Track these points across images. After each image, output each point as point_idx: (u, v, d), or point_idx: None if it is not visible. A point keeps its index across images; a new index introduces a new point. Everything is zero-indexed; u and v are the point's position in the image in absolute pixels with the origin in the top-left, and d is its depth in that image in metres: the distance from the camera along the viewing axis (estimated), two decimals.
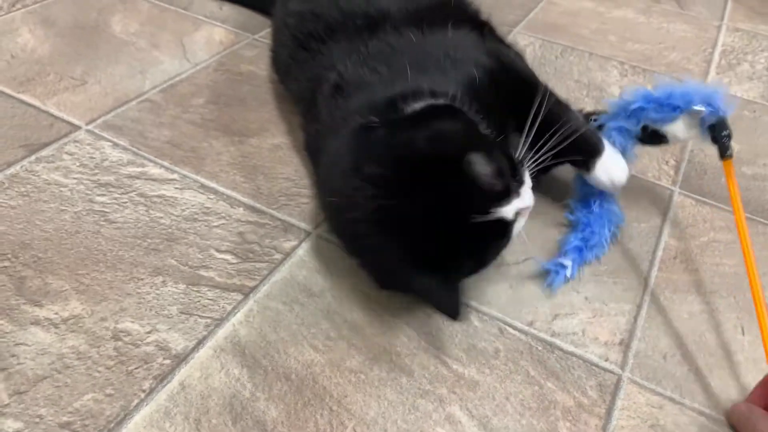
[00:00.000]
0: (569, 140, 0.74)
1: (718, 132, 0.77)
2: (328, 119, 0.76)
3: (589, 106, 1.10)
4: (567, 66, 1.21)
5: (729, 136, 0.77)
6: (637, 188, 0.93)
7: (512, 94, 0.78)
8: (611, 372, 0.68)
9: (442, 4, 0.93)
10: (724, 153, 0.77)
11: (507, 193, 0.64)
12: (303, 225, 0.80)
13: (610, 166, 0.79)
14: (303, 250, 0.77)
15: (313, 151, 0.82)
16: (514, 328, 0.71)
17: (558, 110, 0.79)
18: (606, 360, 0.69)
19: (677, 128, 0.79)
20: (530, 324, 0.71)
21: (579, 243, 0.79)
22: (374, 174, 0.63)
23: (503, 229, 0.65)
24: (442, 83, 0.73)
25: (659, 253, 0.82)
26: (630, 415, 0.64)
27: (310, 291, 0.72)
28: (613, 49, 1.28)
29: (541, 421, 0.62)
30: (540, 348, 0.69)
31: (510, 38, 1.04)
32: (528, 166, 0.70)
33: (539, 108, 0.73)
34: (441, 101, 0.71)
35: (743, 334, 0.73)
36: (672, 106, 0.78)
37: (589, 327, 0.72)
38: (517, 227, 0.67)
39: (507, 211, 0.63)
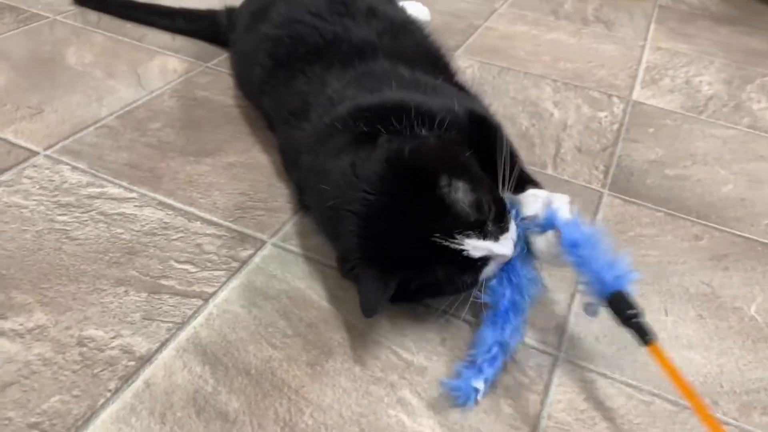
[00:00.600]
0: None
1: (619, 310, 0.66)
2: (322, 125, 0.82)
3: (525, 121, 1.18)
4: (504, 85, 1.30)
5: (637, 315, 0.65)
6: (569, 192, 1.00)
7: (483, 140, 0.80)
8: (548, 353, 0.74)
9: (423, 50, 1.03)
10: (643, 337, 0.64)
11: (481, 230, 0.67)
12: (259, 235, 0.85)
13: (543, 192, 0.79)
14: (259, 258, 0.81)
15: (294, 150, 0.87)
16: (459, 318, 0.76)
17: (513, 149, 0.83)
18: (543, 343, 0.75)
19: (539, 242, 0.74)
20: (475, 315, 0.77)
21: (495, 350, 0.68)
22: (367, 172, 0.69)
23: (465, 263, 0.67)
24: (438, 109, 0.79)
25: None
26: (566, 390, 0.70)
27: (267, 294, 0.76)
28: (546, 68, 1.38)
29: (485, 400, 0.67)
30: None
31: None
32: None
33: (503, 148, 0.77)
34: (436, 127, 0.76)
35: (666, 315, 0.81)
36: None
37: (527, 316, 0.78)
38: (487, 272, 0.70)
39: (473, 245, 0.66)
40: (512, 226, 0.71)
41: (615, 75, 1.39)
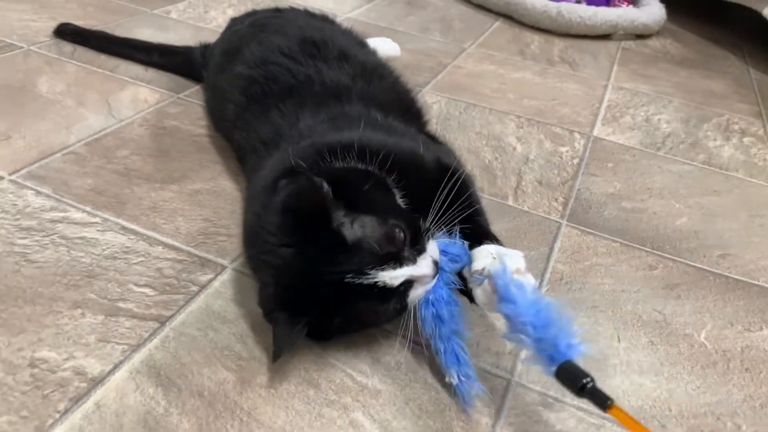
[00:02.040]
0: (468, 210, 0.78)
1: (572, 380, 0.62)
2: (284, 158, 0.82)
3: (488, 155, 1.22)
4: (470, 120, 1.33)
5: (592, 382, 0.62)
6: (528, 222, 1.03)
7: (450, 188, 0.78)
8: (501, 377, 0.75)
9: (395, 96, 1.07)
10: (602, 403, 0.61)
11: (396, 259, 0.67)
12: (220, 260, 0.85)
13: (496, 248, 0.76)
14: (219, 282, 0.82)
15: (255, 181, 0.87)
16: (415, 342, 0.77)
17: (465, 187, 0.82)
18: (497, 367, 0.76)
19: (478, 292, 0.73)
20: (429, 338, 0.78)
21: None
22: (269, 222, 0.70)
23: (386, 294, 0.67)
24: (378, 148, 0.78)
25: (548, 275, 0.92)
26: (518, 413, 0.71)
27: (225, 318, 0.77)
28: (511, 105, 1.42)
29: (437, 422, 0.68)
30: (438, 359, 0.76)
31: (419, 97, 1.15)
32: (433, 233, 0.73)
33: (451, 184, 0.77)
34: (352, 163, 0.76)
35: (619, 341, 0.82)
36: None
37: (483, 340, 0.79)
38: (415, 294, 0.70)
39: (390, 276, 0.66)
40: (430, 245, 0.72)
41: (577, 112, 1.44)
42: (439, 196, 0.74)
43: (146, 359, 0.70)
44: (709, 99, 1.61)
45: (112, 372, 0.68)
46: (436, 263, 0.71)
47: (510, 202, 1.08)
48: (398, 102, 1.05)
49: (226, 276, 0.83)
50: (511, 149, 1.24)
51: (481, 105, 1.40)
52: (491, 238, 0.80)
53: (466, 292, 0.76)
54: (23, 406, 0.63)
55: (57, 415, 0.63)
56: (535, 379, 0.75)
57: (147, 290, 0.79)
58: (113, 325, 0.74)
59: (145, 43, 1.36)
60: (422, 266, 0.69)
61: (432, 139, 1.02)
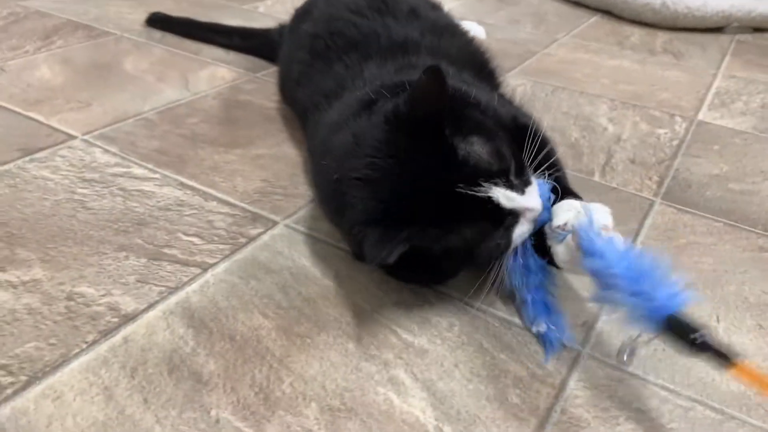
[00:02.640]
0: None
1: (681, 335, 0.54)
2: (346, 102, 0.79)
3: (575, 133, 1.12)
4: (556, 101, 1.24)
5: (705, 337, 0.53)
6: (615, 198, 0.92)
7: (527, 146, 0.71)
8: (570, 348, 0.65)
9: (468, 54, 1.00)
10: (724, 359, 0.53)
11: (506, 180, 0.61)
12: (272, 216, 0.82)
13: (581, 203, 0.68)
14: (269, 236, 0.78)
15: (317, 133, 0.83)
16: (473, 306, 0.69)
17: (544, 145, 0.73)
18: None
19: (559, 249, 0.66)
20: (490, 304, 0.70)
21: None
22: (369, 139, 0.64)
23: (495, 217, 0.60)
24: (453, 90, 0.71)
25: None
26: (587, 386, 0.60)
27: (269, 268, 0.72)
28: (604, 89, 1.31)
29: (489, 387, 0.59)
30: (497, 324, 0.67)
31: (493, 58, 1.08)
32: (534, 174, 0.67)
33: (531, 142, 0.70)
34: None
35: (718, 321, 0.70)
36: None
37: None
38: (520, 232, 0.63)
39: (503, 194, 0.60)
40: (535, 181, 0.65)
41: (680, 98, 1.30)
42: (527, 147, 0.67)
43: (182, 301, 0.67)
44: None
45: (145, 311, 0.65)
46: (541, 201, 0.64)
47: (596, 178, 0.97)
48: (471, 60, 0.98)
49: (277, 231, 0.79)
50: (602, 129, 1.13)
51: (571, 88, 1.30)
52: (574, 195, 0.71)
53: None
54: (53, 334, 0.61)
55: (84, 345, 0.60)
56: (613, 353, 0.64)
57: (194, 239, 0.76)
58: (155, 268, 0.71)
59: (227, 27, 1.38)
60: (531, 198, 0.63)
61: (508, 101, 0.94)
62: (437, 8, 1.15)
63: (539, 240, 0.68)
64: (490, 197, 0.59)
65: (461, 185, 0.59)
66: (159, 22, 1.44)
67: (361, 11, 0.98)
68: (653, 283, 0.56)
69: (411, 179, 0.60)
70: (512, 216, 0.62)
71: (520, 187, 0.62)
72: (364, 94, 0.75)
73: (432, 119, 0.60)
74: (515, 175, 0.62)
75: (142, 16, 1.48)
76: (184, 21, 1.42)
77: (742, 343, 0.67)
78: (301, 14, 1.10)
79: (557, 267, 0.68)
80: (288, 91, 1.05)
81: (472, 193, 0.59)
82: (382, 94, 0.71)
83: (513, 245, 0.64)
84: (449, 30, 1.04)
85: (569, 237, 0.64)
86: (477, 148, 0.61)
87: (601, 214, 0.65)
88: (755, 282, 0.76)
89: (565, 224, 0.64)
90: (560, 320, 0.65)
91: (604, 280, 0.59)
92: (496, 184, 0.60)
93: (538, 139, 0.70)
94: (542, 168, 0.69)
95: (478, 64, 1.02)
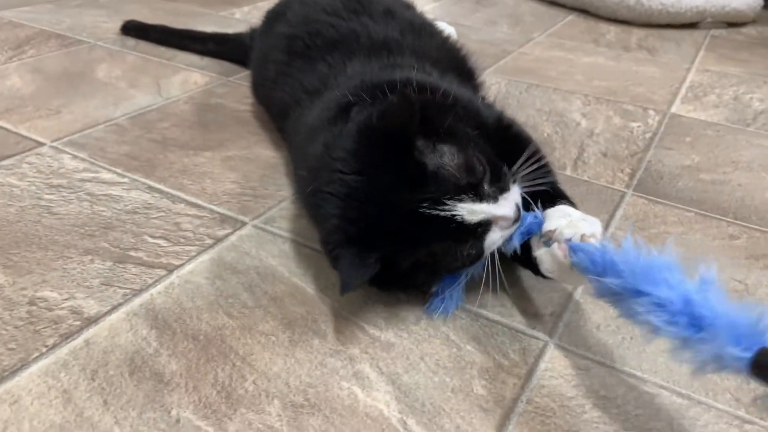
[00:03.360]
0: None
1: None
2: (327, 99, 0.79)
3: (548, 129, 1.12)
4: (530, 99, 1.24)
5: None
6: (586, 191, 0.92)
7: (511, 147, 0.71)
8: (537, 338, 0.64)
9: (447, 54, 1.01)
10: None
11: (475, 192, 0.60)
12: (241, 217, 0.81)
13: (574, 211, 0.66)
14: (236, 237, 0.77)
15: (298, 131, 0.83)
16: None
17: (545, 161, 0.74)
18: (533, 328, 0.66)
19: (545, 258, 0.63)
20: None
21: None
22: (340, 150, 0.63)
23: (463, 232, 0.60)
24: (437, 88, 0.72)
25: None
26: (553, 376, 0.60)
27: (236, 269, 0.72)
28: (578, 86, 1.32)
29: (455, 379, 0.59)
30: (464, 317, 0.67)
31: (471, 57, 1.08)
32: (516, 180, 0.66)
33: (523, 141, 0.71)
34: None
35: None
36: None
37: (519, 301, 0.69)
38: (492, 240, 0.62)
39: (469, 209, 0.59)
40: (514, 187, 0.63)
41: (653, 92, 1.31)
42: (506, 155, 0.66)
43: (146, 303, 0.66)
44: None
45: (108, 313, 0.64)
46: (518, 207, 0.62)
47: (568, 172, 0.97)
48: (450, 59, 0.99)
49: (245, 231, 0.78)
50: (574, 124, 1.14)
51: (545, 85, 1.31)
52: (567, 200, 0.70)
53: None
54: (12, 339, 0.60)
55: (44, 349, 0.59)
56: (579, 342, 0.64)
57: (161, 241, 0.76)
58: (120, 271, 0.70)
59: (201, 33, 1.38)
60: (504, 206, 0.61)
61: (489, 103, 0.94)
62: (411, 7, 1.15)
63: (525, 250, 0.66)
64: (455, 215, 0.59)
65: (425, 205, 0.58)
66: (134, 30, 1.44)
67: (338, 12, 0.98)
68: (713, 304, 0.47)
69: (379, 197, 0.60)
70: (483, 225, 0.60)
71: (494, 195, 0.61)
72: (343, 96, 0.74)
73: (401, 137, 0.59)
74: (490, 183, 0.61)
75: (117, 24, 1.47)
76: (159, 28, 1.42)
77: None
78: (273, 16, 1.09)
79: (543, 276, 0.66)
80: (263, 91, 1.05)
81: (435, 213, 0.58)
82: (361, 97, 0.71)
83: (487, 252, 0.63)
84: (426, 30, 1.04)
85: (555, 246, 0.61)
86: (447, 161, 0.60)
87: (592, 225, 0.63)
88: (725, 269, 0.77)
89: (555, 230, 0.62)
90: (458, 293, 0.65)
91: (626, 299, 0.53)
92: (461, 200, 0.59)
93: (526, 141, 0.69)
94: (531, 171, 0.67)
95: (458, 63, 1.02)
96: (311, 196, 0.67)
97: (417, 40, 0.97)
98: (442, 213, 0.58)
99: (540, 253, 0.64)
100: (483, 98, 0.95)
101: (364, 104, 0.69)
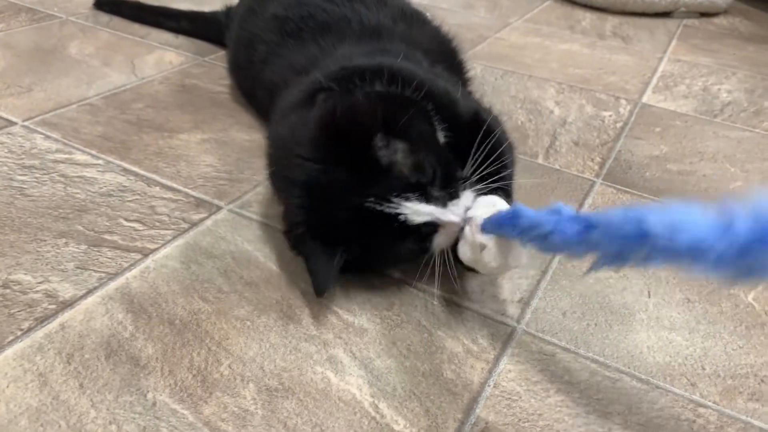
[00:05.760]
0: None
1: None
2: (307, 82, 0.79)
3: (522, 116, 1.13)
4: (505, 86, 1.26)
5: None
6: (557, 179, 0.94)
7: (468, 130, 0.71)
8: (505, 324, 0.67)
9: (438, 44, 1.02)
10: None
11: (423, 193, 0.61)
12: (216, 201, 0.82)
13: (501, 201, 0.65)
14: (212, 221, 0.78)
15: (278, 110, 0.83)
16: (412, 286, 0.70)
17: (500, 144, 0.72)
18: (502, 314, 0.68)
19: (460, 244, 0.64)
20: (430, 284, 0.71)
21: None
22: (303, 136, 0.65)
23: (406, 230, 0.61)
24: (411, 79, 0.72)
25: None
26: (519, 361, 0.62)
27: (211, 254, 0.72)
28: (553, 73, 1.33)
29: (426, 364, 0.61)
30: (435, 303, 0.68)
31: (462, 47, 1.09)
32: (472, 187, 0.66)
33: (490, 138, 0.70)
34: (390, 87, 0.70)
35: (649, 296, 0.73)
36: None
37: (489, 287, 0.71)
38: (438, 242, 0.64)
39: (413, 209, 0.60)
40: (466, 194, 0.65)
41: (626, 81, 1.33)
42: (476, 150, 0.67)
43: (121, 287, 0.66)
44: None
45: (84, 297, 0.65)
46: (467, 212, 0.64)
47: (540, 161, 0.99)
48: (441, 48, 1.00)
49: (220, 216, 0.79)
50: (548, 112, 1.16)
51: (520, 72, 1.32)
52: (508, 197, 0.71)
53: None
54: None
55: (19, 333, 0.60)
56: (546, 328, 0.67)
57: (136, 225, 0.76)
58: (95, 254, 0.71)
59: (174, 11, 1.36)
60: (450, 212, 0.62)
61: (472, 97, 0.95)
62: None
63: None
64: (398, 213, 0.60)
65: (371, 200, 0.60)
66: (106, 4, 1.41)
67: None
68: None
69: (334, 189, 0.62)
70: (429, 226, 0.62)
71: (442, 199, 0.62)
72: (315, 80, 0.75)
73: (363, 134, 0.61)
74: (441, 186, 0.63)
75: None
76: (133, 4, 1.40)
77: (670, 317, 0.70)
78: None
79: (467, 268, 0.67)
80: (249, 73, 1.03)
81: (380, 209, 0.60)
82: (333, 83, 0.72)
83: (435, 251, 0.65)
84: (417, 17, 1.05)
85: (466, 229, 0.62)
86: (399, 160, 0.62)
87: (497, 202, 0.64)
88: None
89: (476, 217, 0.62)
90: None
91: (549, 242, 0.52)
92: (407, 199, 0.60)
93: (494, 138, 0.70)
94: (491, 172, 0.68)
95: (448, 53, 1.03)
96: (273, 177, 0.71)
97: (408, 28, 0.98)
98: (387, 210, 0.60)
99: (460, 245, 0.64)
100: (469, 92, 0.96)
101: (332, 91, 0.70)
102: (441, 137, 0.70)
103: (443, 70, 0.91)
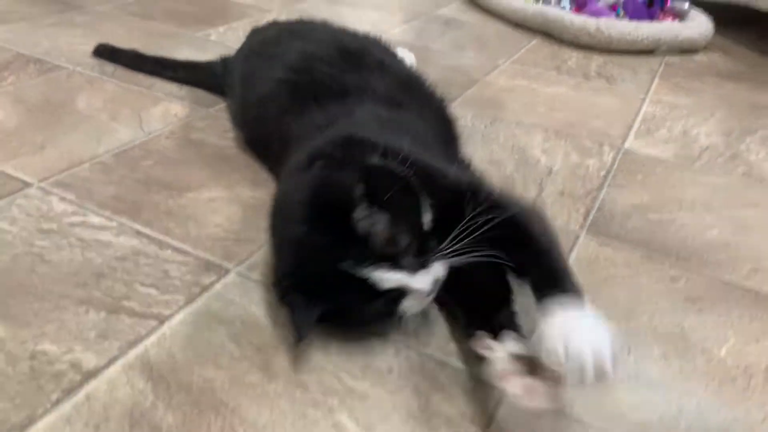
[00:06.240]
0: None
1: None
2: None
3: (510, 166, 1.20)
4: (494, 133, 1.32)
5: None
6: None
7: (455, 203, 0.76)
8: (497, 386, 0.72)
9: (438, 118, 1.11)
10: None
11: (393, 262, 0.68)
12: (225, 264, 0.87)
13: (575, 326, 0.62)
14: (221, 285, 0.83)
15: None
16: (411, 348, 0.76)
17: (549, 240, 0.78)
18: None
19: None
20: (427, 345, 0.77)
21: None
22: (298, 199, 0.74)
23: (374, 294, 0.68)
24: (409, 152, 0.79)
25: None
26: (509, 423, 0.68)
27: (222, 319, 0.78)
28: (540, 118, 1.40)
29: (424, 428, 0.66)
30: (432, 365, 0.74)
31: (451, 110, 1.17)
32: (445, 256, 0.71)
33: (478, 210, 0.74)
34: (380, 161, 0.77)
35: (629, 353, 0.78)
36: None
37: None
38: (406, 306, 0.71)
39: (380, 277, 0.68)
40: (437, 265, 0.71)
41: (610, 125, 1.40)
42: (465, 221, 0.73)
43: (141, 355, 0.72)
44: (755, 111, 1.54)
45: (106, 366, 0.70)
46: (437, 283, 0.71)
47: None
48: (436, 116, 1.09)
49: (229, 279, 0.84)
50: (535, 161, 1.22)
51: (509, 119, 1.39)
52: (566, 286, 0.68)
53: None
54: (18, 395, 0.66)
55: (48, 405, 0.65)
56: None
57: (151, 290, 0.81)
58: (114, 321, 0.76)
59: (172, 61, 1.42)
60: (419, 280, 0.69)
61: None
62: (394, 54, 1.22)
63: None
64: (367, 278, 0.68)
65: (346, 264, 0.67)
66: (106, 53, 1.47)
67: (337, 64, 1.05)
68: None
69: (319, 251, 0.70)
70: (396, 291, 0.69)
71: (412, 267, 0.69)
72: (315, 147, 0.82)
73: (342, 207, 0.69)
74: (416, 255, 0.70)
75: (93, 46, 1.50)
76: (131, 53, 1.45)
77: (648, 375, 0.75)
78: (263, 58, 1.14)
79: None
80: (259, 130, 1.09)
81: (353, 272, 0.67)
82: (328, 151, 0.79)
83: (404, 315, 0.72)
84: (415, 83, 1.14)
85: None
86: (378, 230, 0.69)
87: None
88: (665, 313, 0.85)
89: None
90: None
91: None
92: (378, 267, 0.68)
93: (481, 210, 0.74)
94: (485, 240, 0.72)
95: (445, 127, 1.11)
96: (271, 232, 0.80)
97: (409, 97, 1.06)
98: (357, 274, 0.68)
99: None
100: (461, 162, 1.02)
101: (331, 159, 0.78)
102: (427, 211, 0.75)
103: (439, 140, 0.98)
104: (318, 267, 0.69)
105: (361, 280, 0.68)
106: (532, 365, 0.63)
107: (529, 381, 0.62)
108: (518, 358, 0.64)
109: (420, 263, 0.70)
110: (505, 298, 0.77)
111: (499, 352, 0.65)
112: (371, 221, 0.69)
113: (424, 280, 0.70)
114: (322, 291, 0.69)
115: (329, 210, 0.70)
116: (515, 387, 0.62)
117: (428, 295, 0.71)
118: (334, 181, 0.72)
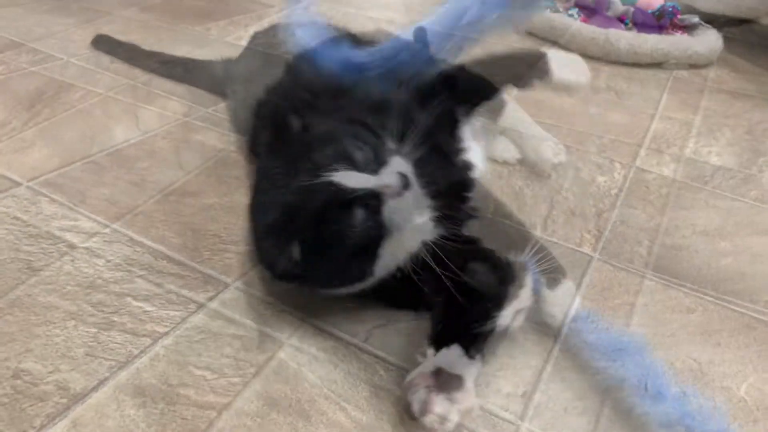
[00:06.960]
0: None
1: None
2: None
3: (519, 181, 1.16)
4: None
5: None
6: (557, 255, 0.96)
7: None
8: (509, 422, 0.68)
9: None
10: None
11: (353, 165, 0.67)
12: (223, 278, 0.82)
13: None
14: (218, 301, 0.79)
15: None
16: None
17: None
18: (506, 410, 0.70)
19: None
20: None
21: None
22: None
23: (347, 204, 0.66)
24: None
25: (572, 311, 0.85)
26: None
27: (218, 337, 0.73)
28: (548, 130, 1.36)
29: None
30: None
31: None
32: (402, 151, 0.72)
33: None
34: None
35: (646, 389, 0.75)
36: None
37: (493, 380, 0.73)
38: (388, 213, 0.67)
39: (344, 176, 0.65)
40: (396, 159, 0.69)
41: (620, 141, 1.36)
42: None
43: (132, 377, 0.67)
44: (766, 132, 1.51)
45: (94, 389, 0.65)
46: (405, 177, 0.68)
47: (538, 232, 1.02)
48: None
49: (227, 294, 0.80)
50: (545, 177, 1.18)
51: (518, 130, 1.34)
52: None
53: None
54: None
55: (31, 431, 0.60)
56: (548, 425, 0.68)
57: (145, 305, 0.76)
58: (104, 338, 0.71)
59: (170, 57, 1.37)
60: (384, 176, 0.67)
61: None
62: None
63: None
64: (330, 182, 0.65)
65: (306, 178, 0.66)
66: (104, 44, 1.42)
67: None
68: None
69: (284, 182, 0.69)
70: (371, 199, 0.66)
71: (371, 166, 0.68)
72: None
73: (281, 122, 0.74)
74: (373, 159, 0.68)
75: (88, 35, 1.44)
76: (129, 47, 1.40)
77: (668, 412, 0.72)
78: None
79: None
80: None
81: (311, 182, 0.65)
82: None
83: (391, 224, 0.68)
84: None
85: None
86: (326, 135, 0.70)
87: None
88: (681, 346, 0.82)
89: None
90: None
91: None
92: (336, 170, 0.66)
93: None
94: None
95: None
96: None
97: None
98: (316, 181, 0.65)
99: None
100: None
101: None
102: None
103: None
104: (290, 197, 0.67)
105: (324, 192, 0.65)
106: (443, 385, 0.65)
107: (429, 396, 0.64)
108: (439, 374, 0.66)
109: (377, 161, 0.68)
110: (486, 313, 0.73)
111: (427, 363, 0.68)
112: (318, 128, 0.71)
113: (389, 174, 0.67)
114: (298, 224, 0.67)
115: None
116: (413, 396, 0.65)
117: (400, 190, 0.67)
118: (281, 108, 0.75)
